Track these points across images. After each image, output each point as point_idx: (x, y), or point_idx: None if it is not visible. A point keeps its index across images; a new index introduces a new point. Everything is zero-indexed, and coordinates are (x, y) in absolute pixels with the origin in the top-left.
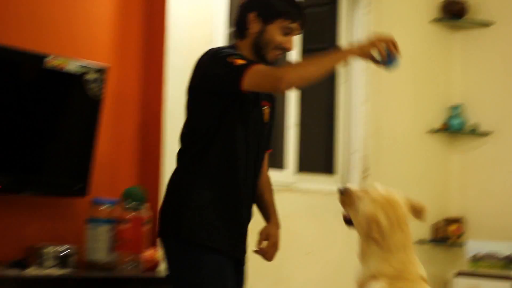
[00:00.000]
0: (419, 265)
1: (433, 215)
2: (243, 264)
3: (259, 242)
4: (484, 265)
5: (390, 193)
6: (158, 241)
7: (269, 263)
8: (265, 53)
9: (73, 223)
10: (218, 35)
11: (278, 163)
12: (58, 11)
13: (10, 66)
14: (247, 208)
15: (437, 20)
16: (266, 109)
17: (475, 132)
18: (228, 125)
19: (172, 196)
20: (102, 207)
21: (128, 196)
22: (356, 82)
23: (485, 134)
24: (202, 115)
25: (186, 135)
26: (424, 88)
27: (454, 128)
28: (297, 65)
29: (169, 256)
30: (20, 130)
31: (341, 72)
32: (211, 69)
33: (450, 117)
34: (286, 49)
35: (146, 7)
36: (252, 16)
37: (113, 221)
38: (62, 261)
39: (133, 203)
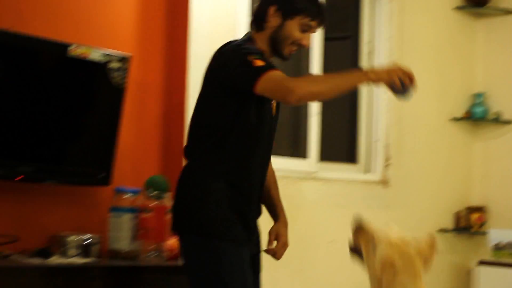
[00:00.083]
0: None
1: (456, 204)
2: (259, 252)
3: (270, 242)
4: (507, 254)
5: (404, 236)
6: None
7: (292, 251)
8: (281, 48)
9: (96, 212)
10: (241, 26)
11: (300, 152)
12: (81, 1)
13: (34, 55)
14: (258, 201)
15: (460, 8)
16: (274, 103)
17: (498, 120)
18: (245, 119)
19: (188, 191)
20: (125, 196)
21: (151, 185)
22: None
23: (508, 122)
24: (218, 109)
25: (199, 128)
26: (446, 76)
27: (477, 116)
28: (312, 80)
29: (188, 250)
30: (43, 118)
31: (364, 61)
32: (230, 65)
33: (473, 105)
34: (302, 46)
35: None
36: (272, 9)
37: (136, 210)
38: (85, 250)
39: (156, 192)
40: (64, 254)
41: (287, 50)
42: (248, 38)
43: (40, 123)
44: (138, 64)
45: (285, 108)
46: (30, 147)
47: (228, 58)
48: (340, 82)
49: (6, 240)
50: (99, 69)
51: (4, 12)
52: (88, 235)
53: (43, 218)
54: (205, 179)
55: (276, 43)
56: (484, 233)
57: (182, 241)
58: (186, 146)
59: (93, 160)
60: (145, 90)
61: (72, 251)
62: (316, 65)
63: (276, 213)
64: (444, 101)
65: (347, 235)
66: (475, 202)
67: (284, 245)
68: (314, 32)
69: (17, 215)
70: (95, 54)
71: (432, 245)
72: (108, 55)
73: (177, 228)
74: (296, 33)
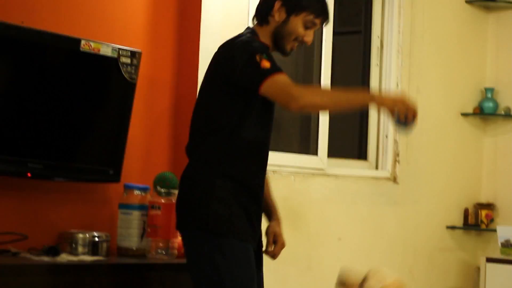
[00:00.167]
0: None
1: (465, 201)
2: (261, 248)
3: (270, 244)
4: None
5: (400, 281)
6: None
7: (300, 248)
8: (284, 43)
9: (105, 209)
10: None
11: (310, 149)
12: None
13: (46, 50)
14: (261, 197)
15: (471, 1)
16: None
17: (508, 116)
18: (251, 116)
19: (193, 188)
20: (134, 193)
21: (160, 182)
22: (389, 65)
23: None
24: (224, 105)
25: (202, 125)
26: (457, 71)
27: (487, 111)
28: (317, 92)
29: (193, 246)
30: (53, 114)
31: (374, 55)
32: (237, 62)
33: (483, 100)
34: (304, 42)
35: None
36: (277, 4)
37: (145, 207)
38: (94, 247)
39: (165, 189)
40: (73, 251)
41: (289, 45)
42: (251, 31)
43: (50, 119)
44: (148, 60)
45: None
46: (39, 144)
47: (236, 55)
48: (344, 99)
49: (15, 237)
50: (110, 64)
51: (16, 7)
52: (97, 233)
53: (52, 216)
54: (210, 177)
55: (279, 38)
56: (492, 230)
57: (187, 238)
58: (189, 144)
59: (102, 157)
60: (155, 86)
61: (81, 249)
62: (326, 60)
63: (270, 211)
64: (453, 96)
65: (356, 232)
66: (484, 198)
67: (282, 246)
68: (316, 29)
69: (26, 212)
70: (106, 49)
71: None
72: (119, 50)
73: (181, 225)
74: (300, 29)
